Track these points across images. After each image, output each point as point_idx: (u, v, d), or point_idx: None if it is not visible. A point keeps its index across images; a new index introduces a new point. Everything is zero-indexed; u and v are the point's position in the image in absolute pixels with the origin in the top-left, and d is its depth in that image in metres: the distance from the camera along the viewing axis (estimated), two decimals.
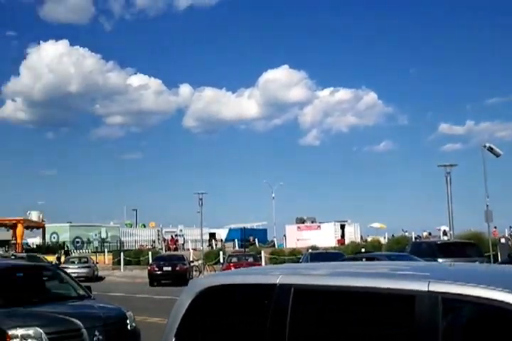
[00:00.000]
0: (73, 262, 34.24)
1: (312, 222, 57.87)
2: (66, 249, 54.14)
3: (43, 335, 7.59)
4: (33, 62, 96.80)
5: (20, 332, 7.57)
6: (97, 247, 54.54)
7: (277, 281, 3.29)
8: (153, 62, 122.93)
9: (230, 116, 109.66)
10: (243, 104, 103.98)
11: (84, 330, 7.82)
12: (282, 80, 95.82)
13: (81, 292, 9.70)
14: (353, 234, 56.34)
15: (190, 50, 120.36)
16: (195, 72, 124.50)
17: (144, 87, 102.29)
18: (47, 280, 10.24)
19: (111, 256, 45.84)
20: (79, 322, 7.88)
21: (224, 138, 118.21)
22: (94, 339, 7.84)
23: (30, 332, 7.60)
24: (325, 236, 51.62)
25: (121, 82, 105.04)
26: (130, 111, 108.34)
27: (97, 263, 39.51)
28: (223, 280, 3.81)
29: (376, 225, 58.67)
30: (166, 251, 50.63)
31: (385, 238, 48.92)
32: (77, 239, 58.98)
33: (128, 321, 8.70)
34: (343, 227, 56.45)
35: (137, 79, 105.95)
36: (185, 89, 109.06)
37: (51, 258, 37.84)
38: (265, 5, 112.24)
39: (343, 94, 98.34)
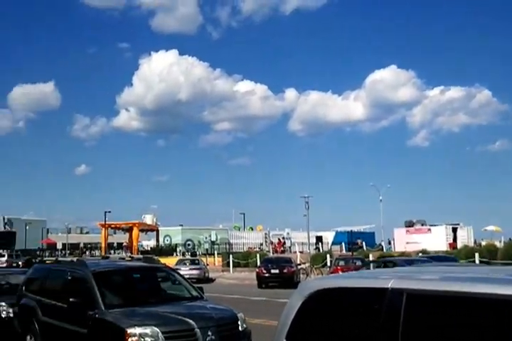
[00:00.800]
0: (185, 264, 35.24)
1: (422, 225, 56.27)
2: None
3: (160, 334, 7.85)
4: (145, 73, 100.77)
5: (138, 330, 7.86)
6: (207, 249, 55.75)
7: (389, 286, 3.26)
8: (259, 68, 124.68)
9: (335, 118, 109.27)
10: (349, 106, 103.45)
11: (197, 330, 8.03)
12: (389, 81, 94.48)
13: (194, 293, 9.97)
14: (465, 237, 54.26)
15: (296, 54, 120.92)
16: (301, 76, 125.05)
17: (250, 92, 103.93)
18: (161, 281, 10.59)
19: (220, 258, 46.74)
20: (193, 323, 8.09)
21: (329, 141, 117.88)
22: (208, 339, 8.03)
23: (148, 330, 7.87)
24: (436, 240, 50.05)
25: (228, 89, 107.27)
26: (237, 117, 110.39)
27: (207, 265, 40.37)
28: (333, 284, 3.81)
29: (491, 228, 56.04)
30: (273, 253, 50.94)
31: (500, 242, 46.73)
32: (188, 242, 60.73)
33: (239, 322, 8.83)
34: (455, 230, 54.49)
35: (244, 86, 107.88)
36: (290, 93, 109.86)
37: (164, 260, 39.08)
38: (371, 6, 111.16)
39: (455, 92, 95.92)
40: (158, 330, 7.89)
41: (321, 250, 51.93)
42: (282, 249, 56.79)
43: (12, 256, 52.92)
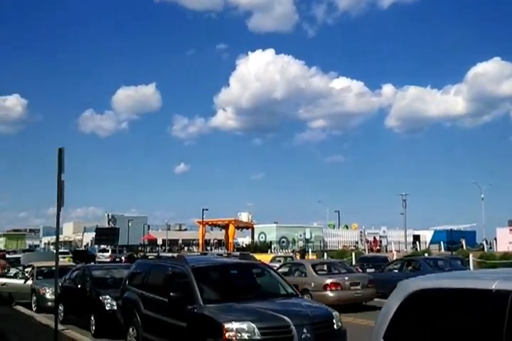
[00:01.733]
0: (279, 261, 35.37)
1: None
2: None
3: (256, 330, 7.93)
4: (242, 73, 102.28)
5: (235, 325, 7.98)
6: (301, 247, 55.77)
7: (493, 287, 3.18)
8: (355, 65, 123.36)
9: (434, 114, 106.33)
10: (449, 101, 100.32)
11: (293, 327, 8.05)
12: (493, 73, 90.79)
13: (289, 290, 10.00)
14: None
15: (393, 49, 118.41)
16: (399, 71, 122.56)
17: (346, 89, 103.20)
18: (257, 278, 10.69)
19: (315, 256, 46.59)
20: (288, 320, 8.12)
21: (428, 137, 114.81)
22: (303, 336, 8.03)
23: (244, 326, 7.97)
24: None
25: (324, 86, 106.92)
26: (332, 114, 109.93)
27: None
28: (433, 284, 3.75)
29: None
30: (368, 252, 50.30)
31: None
32: (282, 239, 60.97)
33: (334, 320, 8.78)
34: None
35: (340, 83, 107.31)
36: (387, 89, 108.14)
37: (259, 257, 39.43)
38: None
39: None
40: (254, 326, 7.97)
41: (418, 249, 50.71)
42: (378, 247, 55.99)
43: (115, 252, 55.29)
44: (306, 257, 38.38)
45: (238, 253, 27.74)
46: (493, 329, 3.02)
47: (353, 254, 40.57)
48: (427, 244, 56.25)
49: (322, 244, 56.04)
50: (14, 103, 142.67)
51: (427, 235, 63.01)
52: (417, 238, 58.35)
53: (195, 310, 8.76)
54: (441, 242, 53.59)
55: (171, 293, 9.20)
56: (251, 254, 23.78)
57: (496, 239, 54.20)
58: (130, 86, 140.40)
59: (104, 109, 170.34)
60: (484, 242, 55.64)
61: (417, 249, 50.78)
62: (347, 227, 68.68)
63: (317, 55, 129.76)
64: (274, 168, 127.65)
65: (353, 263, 34.71)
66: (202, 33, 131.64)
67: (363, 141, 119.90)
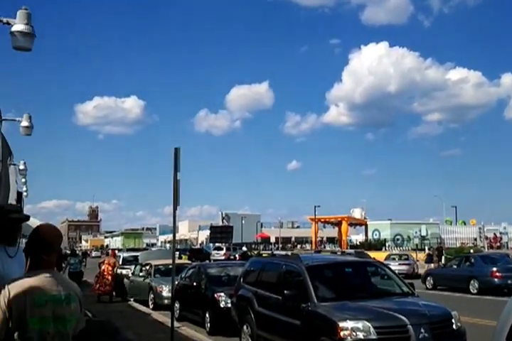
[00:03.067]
0: (394, 259, 34.76)
1: None
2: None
3: (371, 329, 7.79)
4: (354, 67, 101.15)
5: (350, 324, 7.88)
6: (416, 244, 54.33)
7: None
8: (473, 54, 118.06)
9: None
10: None
11: (410, 327, 7.85)
12: None
13: (405, 289, 9.78)
14: None
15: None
16: None
17: (463, 80, 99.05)
18: (372, 276, 10.54)
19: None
20: (405, 319, 7.93)
21: None
22: (420, 336, 7.82)
23: (359, 325, 7.85)
24: None
25: (439, 78, 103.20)
26: (448, 106, 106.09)
27: (417, 260, 39.37)
28: None
29: None
30: (488, 249, 48.21)
31: None
32: (397, 236, 59.63)
33: (453, 320, 8.49)
34: None
35: (456, 73, 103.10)
36: (507, 78, 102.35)
37: (373, 255, 38.83)
38: None
39: None
40: (369, 325, 7.84)
41: None
42: (498, 244, 53.50)
43: (230, 249, 56.14)
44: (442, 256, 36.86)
45: (353, 251, 27.23)
46: None
47: (472, 252, 39.10)
48: None
49: (439, 241, 54.18)
50: (132, 104, 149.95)
51: None
52: None
53: (310, 308, 8.75)
54: None
55: (285, 291, 9.24)
56: (365, 252, 23.49)
57: None
58: (243, 85, 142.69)
59: (219, 109, 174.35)
60: None
61: None
62: (465, 223, 66.03)
63: (433, 45, 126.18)
64: (387, 163, 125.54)
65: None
66: (315, 29, 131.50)
67: (481, 134, 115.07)
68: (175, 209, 11.50)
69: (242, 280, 11.76)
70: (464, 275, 23.07)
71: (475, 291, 22.19)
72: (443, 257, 36.18)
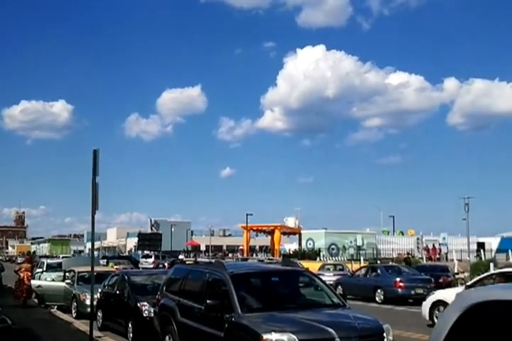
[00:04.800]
0: (328, 269, 34.57)
1: None
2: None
3: None
4: (290, 71, 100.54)
5: (274, 336, 7.51)
6: (351, 255, 54.52)
7: None
8: (414, 58, 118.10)
9: (503, 109, 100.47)
10: None
11: (338, 340, 7.51)
12: None
13: (335, 300, 9.44)
14: None
15: (457, 39, 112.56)
16: (463, 63, 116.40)
17: (403, 85, 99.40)
18: (302, 287, 10.16)
19: (367, 264, 45.41)
20: (333, 332, 7.60)
21: (496, 134, 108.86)
22: None
23: (285, 337, 7.51)
24: None
25: (379, 82, 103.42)
26: (389, 112, 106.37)
27: (353, 271, 39.35)
28: (497, 295, 3.25)
29: None
30: (426, 260, 48.66)
31: None
32: (332, 246, 59.43)
33: (385, 334, 8.16)
34: None
35: (397, 78, 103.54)
36: (450, 83, 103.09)
37: (307, 265, 38.57)
38: None
39: None
40: (295, 338, 7.49)
41: (483, 258, 48.50)
42: (438, 256, 53.97)
43: (158, 257, 54.76)
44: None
45: (281, 258, 27.03)
46: None
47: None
48: (493, 253, 53.53)
49: (375, 252, 54.45)
50: (60, 108, 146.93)
51: (492, 243, 59.73)
52: (481, 246, 55.20)
53: (233, 319, 8.31)
54: (510, 250, 50.82)
55: (208, 301, 8.76)
56: (296, 261, 23.23)
57: None
58: (175, 88, 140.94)
59: (150, 113, 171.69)
60: None
61: (481, 258, 48.32)
62: (402, 234, 66.66)
63: (372, 49, 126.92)
64: (325, 170, 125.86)
65: None
66: (249, 32, 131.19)
67: (423, 141, 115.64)
68: (93, 213, 10.89)
69: (164, 288, 11.21)
70: (370, 285, 24.19)
71: (380, 301, 23.16)
72: (460, 271, 35.26)
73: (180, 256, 60.07)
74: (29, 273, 19.80)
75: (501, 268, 29.35)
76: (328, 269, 34.44)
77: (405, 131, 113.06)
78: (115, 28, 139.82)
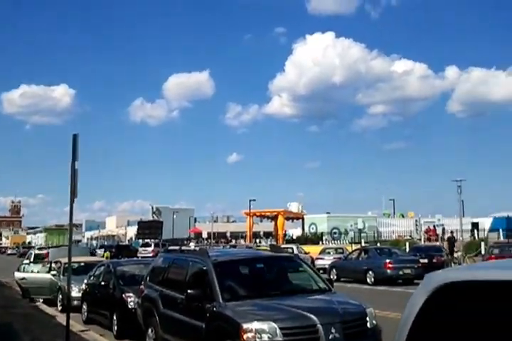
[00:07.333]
0: (329, 253, 34.39)
1: None
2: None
3: (278, 330, 7.22)
4: (299, 57, 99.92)
5: (255, 326, 7.27)
6: (352, 238, 54.40)
7: None
8: (419, 46, 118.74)
9: (499, 97, 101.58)
10: None
11: (320, 326, 7.29)
12: None
13: (321, 285, 9.19)
14: None
15: (460, 28, 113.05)
16: (465, 52, 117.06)
17: (408, 72, 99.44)
18: (288, 272, 9.86)
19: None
20: (315, 318, 7.36)
21: (491, 121, 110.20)
22: (330, 337, 7.26)
23: (265, 326, 7.26)
24: None
25: (385, 70, 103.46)
26: (393, 99, 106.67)
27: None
28: (465, 276, 3.05)
29: None
30: (424, 242, 48.70)
31: None
32: (334, 230, 59.32)
33: (368, 318, 7.93)
34: None
35: (401, 65, 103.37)
36: (451, 71, 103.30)
37: (309, 249, 38.43)
38: None
39: None
40: (276, 326, 7.24)
41: (476, 237, 48.84)
42: (436, 236, 54.07)
43: (158, 246, 53.03)
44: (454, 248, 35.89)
45: (269, 244, 26.67)
46: None
47: (407, 244, 39.35)
48: (486, 232, 54.10)
49: (376, 234, 54.42)
50: (62, 93, 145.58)
51: (485, 223, 60.52)
52: (475, 226, 56.13)
53: (214, 309, 8.03)
54: (501, 229, 51.47)
55: (189, 291, 8.48)
56: (280, 246, 23.15)
57: None
58: (183, 73, 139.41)
59: (156, 98, 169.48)
60: None
61: (475, 238, 48.93)
62: (403, 216, 66.80)
63: (380, 37, 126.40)
64: (331, 156, 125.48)
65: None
66: (260, 17, 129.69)
67: (424, 127, 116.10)
68: (72, 202, 10.52)
69: (148, 278, 10.91)
70: (361, 267, 24.62)
71: (371, 282, 23.63)
72: (455, 250, 35.39)
73: (191, 244, 58.95)
74: None
75: (491, 246, 29.70)
76: (329, 253, 34.37)
77: (408, 118, 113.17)
78: (122, 11, 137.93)
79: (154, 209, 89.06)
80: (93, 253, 39.46)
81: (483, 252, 33.11)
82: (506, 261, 4.07)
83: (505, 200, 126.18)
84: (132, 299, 11.97)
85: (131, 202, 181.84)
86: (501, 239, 46.86)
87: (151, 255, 43.20)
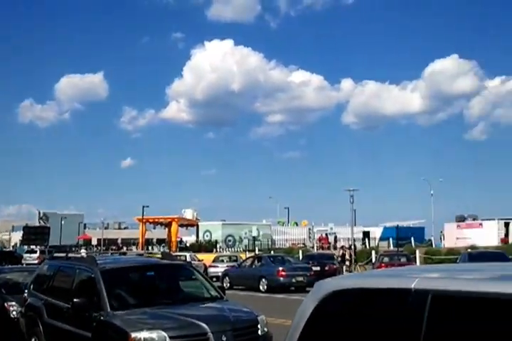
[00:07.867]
0: (222, 261, 34.42)
1: (474, 220, 54.14)
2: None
3: (167, 339, 7.11)
4: (197, 63, 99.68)
5: (143, 335, 7.12)
6: (246, 245, 54.76)
7: (412, 286, 2.78)
8: (317, 58, 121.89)
9: (391, 110, 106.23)
10: (406, 97, 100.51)
11: (210, 334, 7.25)
12: (450, 71, 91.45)
13: (213, 293, 9.16)
14: None
15: (356, 43, 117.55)
16: (359, 65, 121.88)
17: (305, 83, 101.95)
18: (179, 280, 9.72)
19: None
20: (205, 326, 7.30)
21: (384, 134, 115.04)
22: None
23: (154, 335, 7.14)
24: (487, 235, 48.06)
25: (283, 80, 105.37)
26: (290, 108, 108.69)
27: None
28: (351, 284, 3.28)
29: None
30: (317, 250, 49.79)
31: None
32: (229, 238, 59.46)
33: (259, 325, 7.97)
34: (507, 225, 52.19)
35: (299, 76, 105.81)
36: (346, 83, 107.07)
37: (203, 257, 38.28)
38: None
39: None
40: (165, 335, 7.12)
41: (367, 246, 50.51)
42: (328, 245, 55.48)
43: (44, 253, 51.07)
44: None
45: (161, 252, 26.39)
46: (410, 333, 2.66)
47: (300, 252, 40.04)
48: (377, 241, 56.14)
49: (270, 242, 55.07)
50: None
51: (376, 232, 62.90)
52: (366, 234, 58.19)
53: (101, 318, 7.78)
54: (390, 238, 53.52)
55: (75, 299, 8.11)
56: (172, 254, 22.93)
57: (443, 234, 54.54)
58: (76, 74, 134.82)
59: (46, 99, 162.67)
60: (432, 238, 55.88)
61: (366, 246, 50.54)
62: (296, 224, 68.14)
63: (278, 47, 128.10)
64: (227, 163, 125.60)
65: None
66: (158, 21, 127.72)
67: (320, 138, 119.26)
68: None
69: (32, 286, 10.45)
70: (255, 275, 24.85)
71: (264, 290, 23.88)
72: (347, 258, 36.42)
73: (82, 251, 56.71)
74: None
75: (381, 255, 30.93)
76: (222, 261, 34.46)
77: (304, 128, 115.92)
78: (18, 8, 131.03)
79: (41, 215, 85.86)
80: None
81: (373, 260, 34.17)
82: (394, 270, 4.19)
83: (396, 210, 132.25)
84: (15, 308, 11.39)
85: (16, 206, 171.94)
86: (391, 247, 48.81)
87: (36, 262, 41.48)
